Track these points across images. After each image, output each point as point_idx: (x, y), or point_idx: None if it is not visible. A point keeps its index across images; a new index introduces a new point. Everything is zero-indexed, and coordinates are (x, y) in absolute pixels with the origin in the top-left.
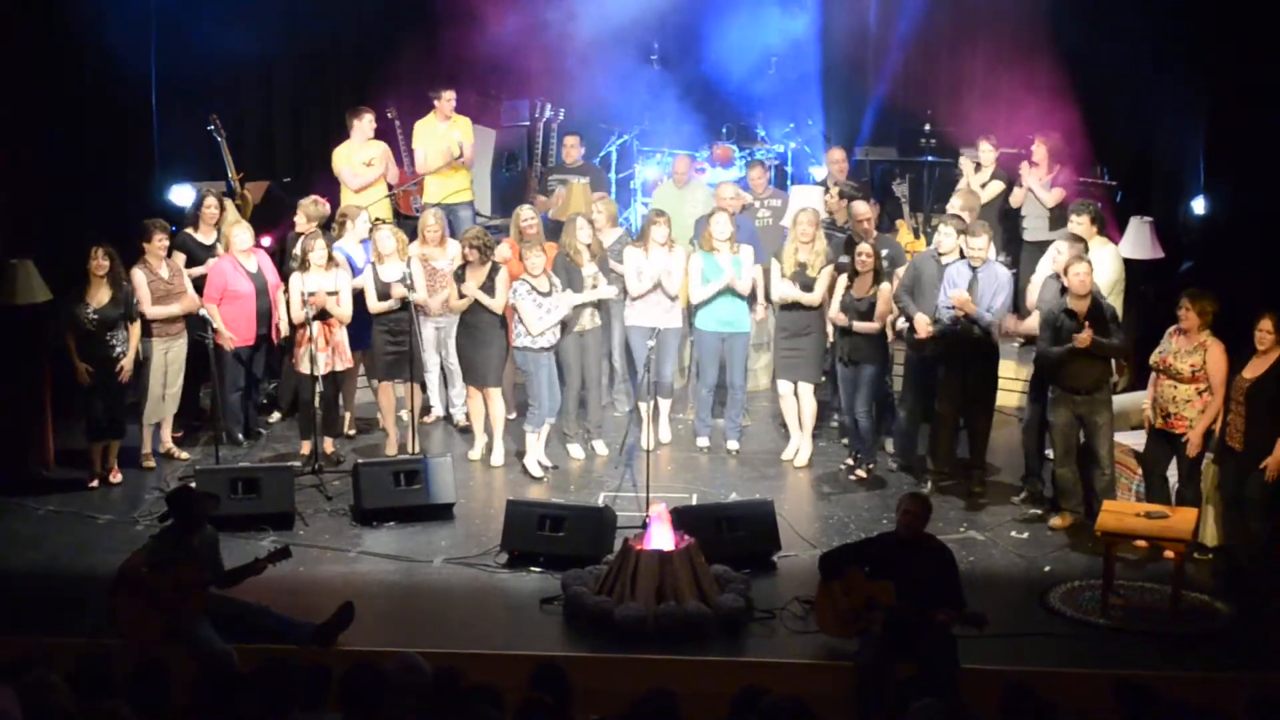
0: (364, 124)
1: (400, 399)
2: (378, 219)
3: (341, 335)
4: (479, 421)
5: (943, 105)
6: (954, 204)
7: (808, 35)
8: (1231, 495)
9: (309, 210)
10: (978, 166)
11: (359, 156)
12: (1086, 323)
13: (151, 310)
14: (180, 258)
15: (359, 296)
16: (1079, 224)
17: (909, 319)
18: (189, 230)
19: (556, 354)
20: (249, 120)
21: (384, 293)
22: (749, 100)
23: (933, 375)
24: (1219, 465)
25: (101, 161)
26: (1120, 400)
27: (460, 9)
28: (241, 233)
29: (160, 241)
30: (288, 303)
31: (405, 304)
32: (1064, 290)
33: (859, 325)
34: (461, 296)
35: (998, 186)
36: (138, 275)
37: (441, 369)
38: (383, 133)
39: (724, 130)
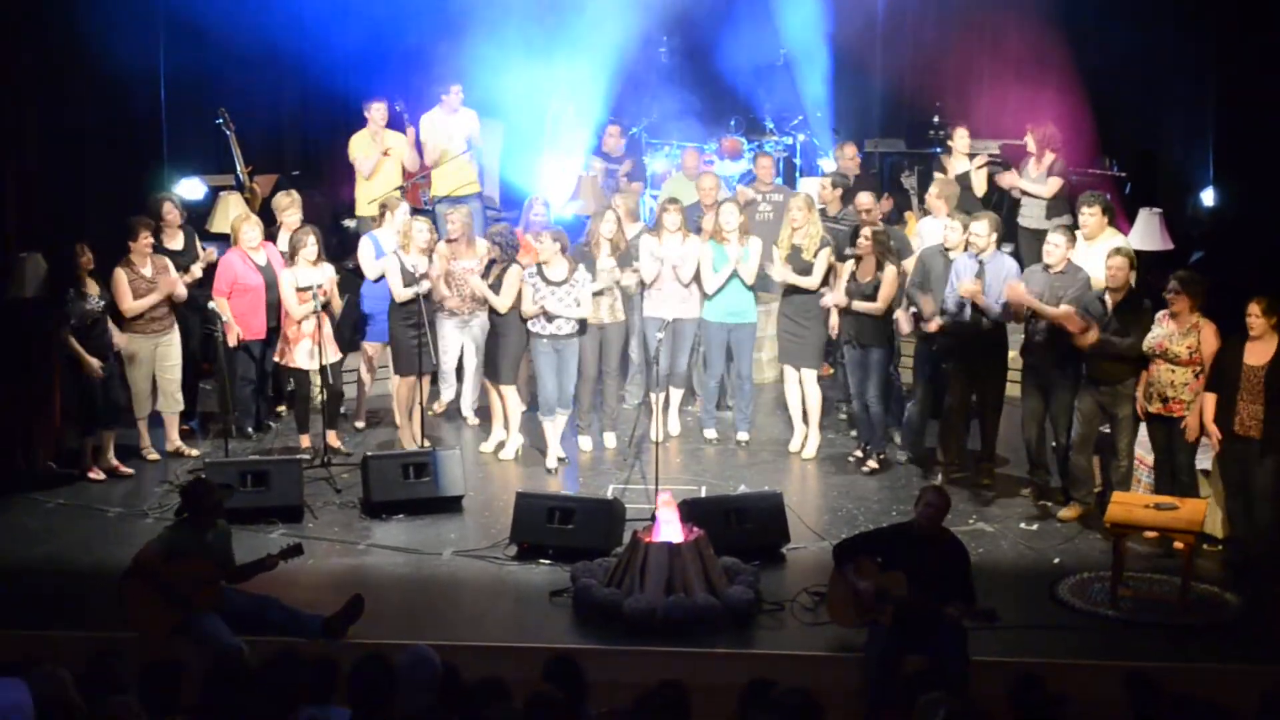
0: (378, 115)
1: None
2: (417, 211)
3: (329, 328)
4: (498, 417)
5: (951, 98)
6: (931, 193)
7: (816, 27)
8: (1237, 484)
9: (281, 204)
10: (950, 151)
11: (378, 146)
12: (1090, 321)
13: (134, 305)
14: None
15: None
16: (1089, 215)
17: (919, 311)
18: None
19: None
20: (258, 113)
21: (409, 281)
22: (757, 92)
23: (943, 368)
24: (1225, 453)
25: (109, 155)
26: None
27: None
28: (251, 229)
29: (145, 240)
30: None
31: (418, 297)
32: (1045, 267)
33: (859, 305)
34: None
35: (983, 175)
36: (119, 275)
37: (460, 365)
38: (391, 126)
39: (732, 123)
